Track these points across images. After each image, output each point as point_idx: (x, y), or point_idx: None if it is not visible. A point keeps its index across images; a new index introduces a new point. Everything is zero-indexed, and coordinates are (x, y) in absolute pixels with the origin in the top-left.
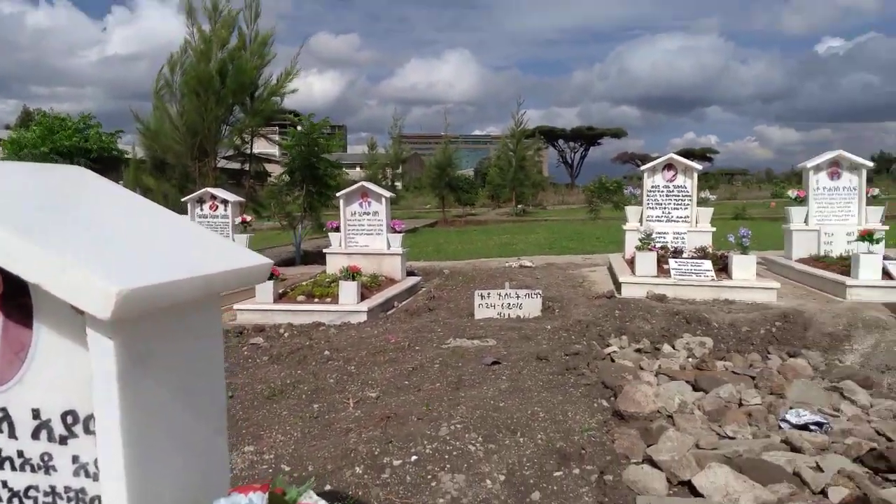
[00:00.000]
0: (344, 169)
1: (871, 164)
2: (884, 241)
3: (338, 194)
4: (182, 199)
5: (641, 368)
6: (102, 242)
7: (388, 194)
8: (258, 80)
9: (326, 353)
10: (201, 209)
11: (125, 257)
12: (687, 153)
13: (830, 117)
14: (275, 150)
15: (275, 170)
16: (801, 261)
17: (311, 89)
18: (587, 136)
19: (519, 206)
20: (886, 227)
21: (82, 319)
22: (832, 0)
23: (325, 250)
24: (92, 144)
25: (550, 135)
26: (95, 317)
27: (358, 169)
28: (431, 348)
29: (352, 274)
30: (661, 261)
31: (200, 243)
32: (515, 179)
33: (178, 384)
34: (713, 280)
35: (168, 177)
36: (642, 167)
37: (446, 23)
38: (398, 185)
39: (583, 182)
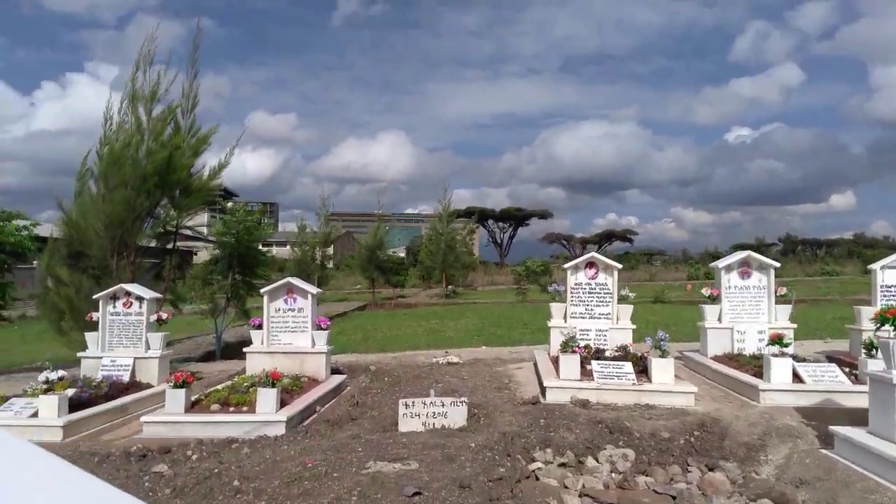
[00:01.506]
0: (274, 248)
1: (777, 264)
2: (793, 342)
3: (262, 291)
4: (94, 297)
5: (566, 487)
6: None
7: (314, 290)
8: (190, 171)
9: (236, 483)
10: (114, 307)
11: None
12: (609, 234)
13: (739, 201)
14: (202, 227)
15: (200, 247)
16: (716, 359)
17: (245, 166)
18: (516, 217)
19: (449, 286)
20: (794, 326)
21: None
22: (738, 94)
23: (245, 350)
24: (7, 237)
25: (481, 215)
26: None
27: (288, 247)
28: (350, 475)
29: (271, 381)
30: (585, 362)
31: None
32: (445, 262)
33: None
34: (634, 384)
35: (83, 267)
36: (565, 265)
37: (381, 107)
38: (328, 265)
39: (513, 260)
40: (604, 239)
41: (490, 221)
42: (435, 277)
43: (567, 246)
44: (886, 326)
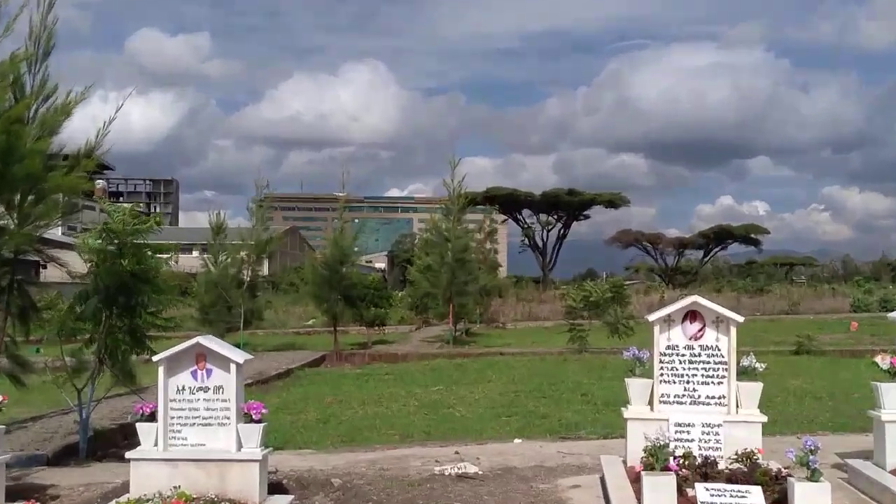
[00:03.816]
0: (174, 254)
1: None
2: None
3: (155, 358)
4: None
5: None
6: None
7: (241, 358)
8: (45, 160)
9: None
10: None
11: None
12: (724, 232)
13: None
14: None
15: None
16: None
17: (129, 120)
18: (568, 205)
19: (460, 324)
20: None
21: None
22: None
23: (129, 455)
24: None
25: (510, 202)
26: None
27: (195, 254)
28: None
29: None
30: (684, 484)
31: None
32: (453, 284)
33: None
34: None
35: None
36: (650, 317)
37: (345, 20)
38: (263, 288)
39: (563, 274)
40: (714, 240)
41: (525, 212)
42: (436, 309)
43: (652, 251)
44: None
